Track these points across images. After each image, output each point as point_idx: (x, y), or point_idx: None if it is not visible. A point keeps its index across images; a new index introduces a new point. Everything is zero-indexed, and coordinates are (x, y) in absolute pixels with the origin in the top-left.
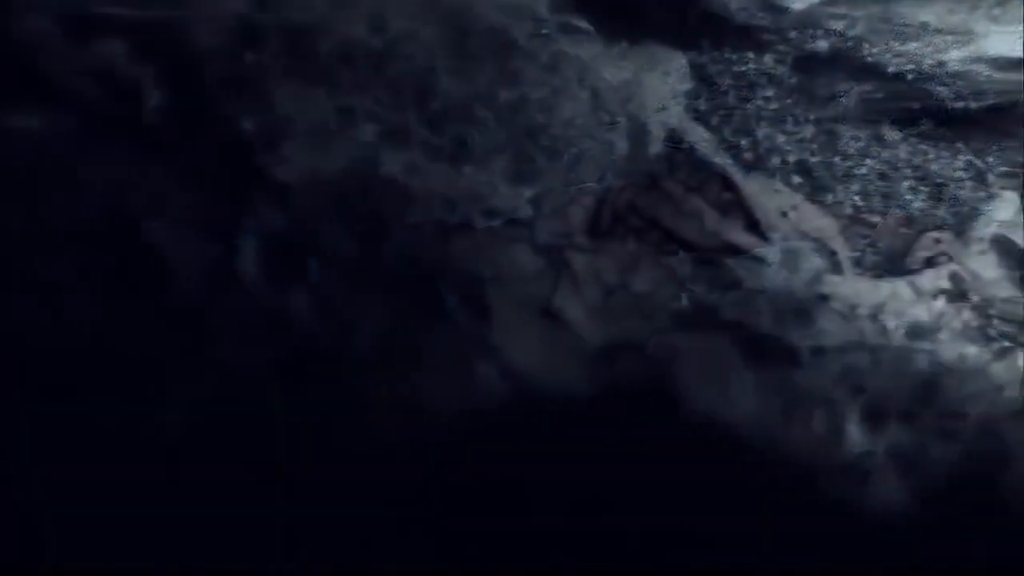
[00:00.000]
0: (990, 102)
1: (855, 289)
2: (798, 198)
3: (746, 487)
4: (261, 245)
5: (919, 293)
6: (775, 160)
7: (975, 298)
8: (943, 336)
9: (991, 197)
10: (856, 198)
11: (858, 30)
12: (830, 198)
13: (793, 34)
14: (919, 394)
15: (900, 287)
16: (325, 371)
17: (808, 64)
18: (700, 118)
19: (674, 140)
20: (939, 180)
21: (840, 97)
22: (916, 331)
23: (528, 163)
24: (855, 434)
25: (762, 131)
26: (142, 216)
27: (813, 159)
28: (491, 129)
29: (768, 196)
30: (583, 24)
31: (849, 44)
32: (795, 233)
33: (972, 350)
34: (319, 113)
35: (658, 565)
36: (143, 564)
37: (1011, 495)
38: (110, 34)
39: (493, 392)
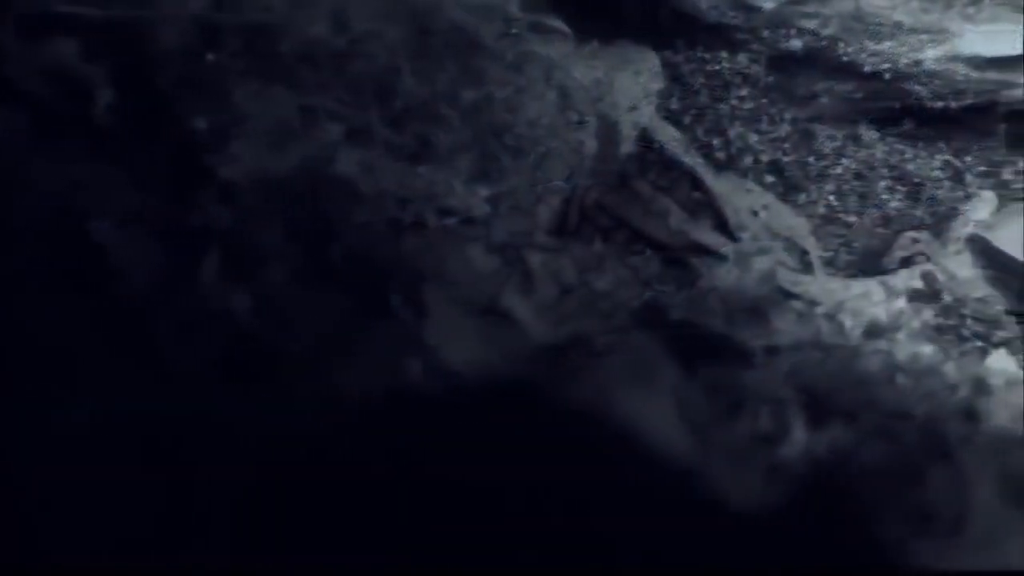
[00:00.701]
0: (969, 101)
1: (824, 289)
2: (770, 197)
3: (655, 488)
4: (209, 244)
5: (891, 293)
6: (747, 159)
7: (948, 298)
8: (901, 336)
9: (969, 197)
10: (831, 198)
11: (831, 29)
12: (803, 198)
13: (766, 33)
14: (864, 394)
15: (872, 287)
16: (263, 368)
17: (783, 63)
18: (672, 117)
19: (645, 139)
20: (916, 180)
21: (816, 96)
22: (873, 330)
23: (492, 162)
24: (793, 434)
25: (735, 130)
26: (89, 215)
27: (786, 159)
28: (455, 128)
29: (739, 195)
30: (555, 24)
31: (823, 43)
32: (765, 233)
33: (927, 350)
34: (279, 112)
35: (563, 565)
36: (87, 560)
37: (936, 496)
38: (66, 33)
39: (420, 390)
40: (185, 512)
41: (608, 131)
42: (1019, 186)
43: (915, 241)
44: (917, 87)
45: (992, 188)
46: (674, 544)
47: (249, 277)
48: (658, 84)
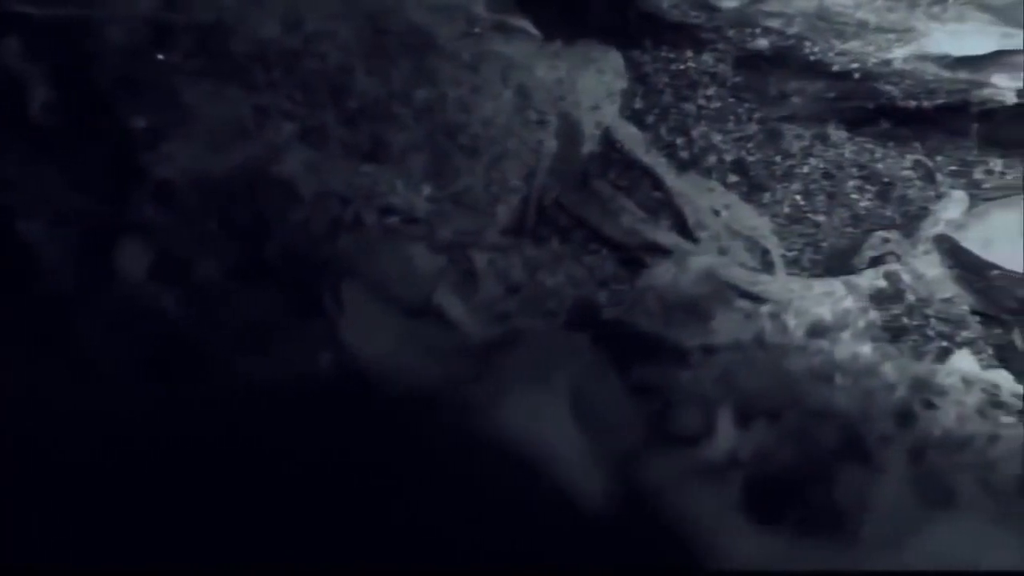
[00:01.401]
0: (941, 101)
1: (784, 288)
2: (732, 197)
3: (530, 492)
4: (140, 243)
5: (850, 293)
6: (711, 159)
7: (911, 298)
8: (845, 335)
9: (940, 196)
10: (797, 197)
11: (796, 28)
12: (767, 197)
13: (731, 32)
14: (794, 394)
15: (835, 286)
16: (185, 367)
17: (750, 63)
18: (635, 117)
19: (606, 139)
20: (887, 179)
21: (787, 96)
22: (817, 330)
23: (445, 162)
24: (712, 434)
25: (700, 130)
26: (19, 215)
27: (751, 158)
28: (408, 128)
29: (701, 195)
30: (520, 23)
31: (790, 42)
32: (726, 232)
33: (867, 349)
34: (228, 112)
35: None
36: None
37: (839, 498)
38: (7, 33)
39: (328, 387)
40: (108, 511)
41: (569, 130)
42: (990, 186)
43: (886, 241)
44: (888, 87)
45: (963, 188)
46: (536, 546)
47: (179, 276)
48: (622, 83)
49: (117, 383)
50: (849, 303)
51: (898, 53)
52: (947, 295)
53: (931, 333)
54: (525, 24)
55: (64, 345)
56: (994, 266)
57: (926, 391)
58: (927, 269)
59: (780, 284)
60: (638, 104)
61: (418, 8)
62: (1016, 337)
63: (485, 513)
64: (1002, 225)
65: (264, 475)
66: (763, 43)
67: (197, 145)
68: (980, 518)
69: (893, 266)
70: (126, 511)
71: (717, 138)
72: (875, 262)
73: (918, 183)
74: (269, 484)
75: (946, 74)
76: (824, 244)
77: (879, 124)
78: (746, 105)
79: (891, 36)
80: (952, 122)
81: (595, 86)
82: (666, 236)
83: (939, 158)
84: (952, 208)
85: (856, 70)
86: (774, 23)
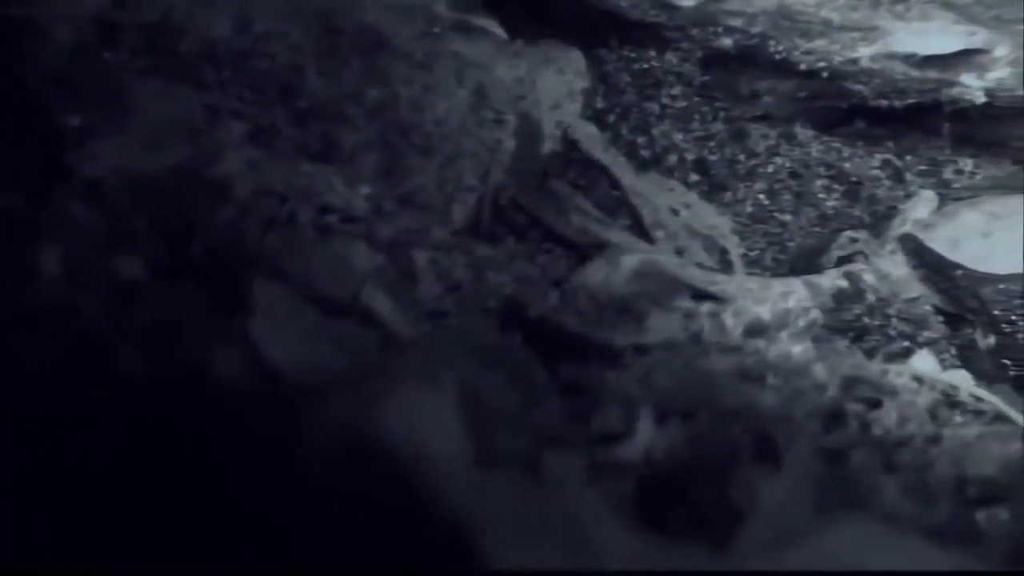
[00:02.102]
0: (913, 100)
1: (740, 288)
2: (692, 196)
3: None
4: (63, 242)
5: (815, 292)
6: (672, 158)
7: (872, 297)
8: (784, 335)
9: (909, 196)
10: (761, 196)
11: (760, 27)
12: (728, 196)
13: (695, 31)
14: (714, 394)
15: (795, 286)
16: (90, 365)
17: (715, 62)
18: (596, 116)
19: (566, 138)
20: (855, 179)
21: (756, 95)
22: (755, 329)
23: (397, 161)
24: (632, 434)
25: (662, 129)
26: None
27: (714, 157)
28: (360, 127)
29: (660, 194)
30: (482, 23)
31: (754, 41)
32: (685, 231)
33: (803, 349)
34: (172, 111)
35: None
36: None
37: (733, 498)
38: None
39: (230, 384)
40: (12, 509)
41: (528, 129)
42: (960, 185)
43: (854, 240)
44: (858, 86)
45: (933, 187)
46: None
47: (99, 275)
48: (583, 82)
49: (25, 383)
50: (792, 302)
51: (864, 52)
52: (911, 295)
53: (893, 333)
54: (488, 24)
55: None
56: (958, 266)
57: (872, 391)
58: (893, 269)
59: (737, 284)
60: (599, 103)
61: (376, 7)
62: (979, 337)
63: (339, 513)
64: (970, 225)
65: (150, 474)
66: (727, 42)
67: (132, 144)
68: (885, 521)
69: (856, 265)
70: (29, 509)
71: (678, 137)
72: (843, 262)
73: (887, 182)
74: (154, 482)
75: (915, 73)
76: (791, 244)
77: (854, 124)
78: (714, 104)
79: (856, 35)
80: (926, 121)
81: (556, 85)
82: (619, 235)
83: (908, 157)
84: (921, 208)
85: (824, 69)
86: (736, 22)
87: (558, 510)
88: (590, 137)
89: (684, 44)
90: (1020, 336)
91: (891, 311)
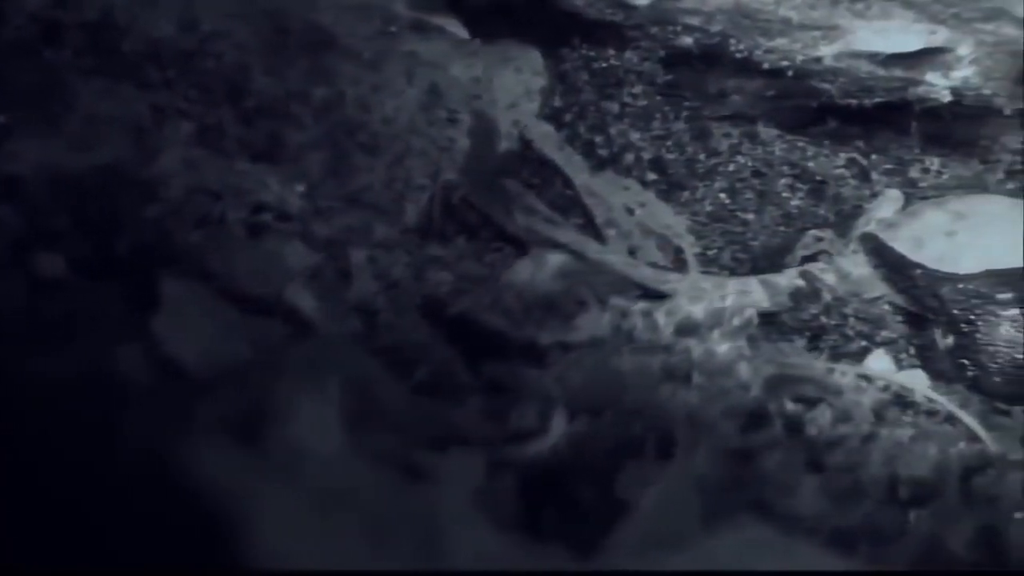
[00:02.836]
0: (881, 99)
1: (692, 286)
2: (648, 195)
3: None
4: None
5: (773, 291)
6: (629, 157)
7: (827, 297)
8: (716, 334)
9: (875, 195)
10: (722, 195)
11: (720, 26)
12: (686, 195)
13: (655, 30)
14: (618, 392)
15: (751, 285)
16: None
17: (676, 61)
18: (553, 115)
19: (521, 137)
20: (819, 178)
21: (719, 94)
22: (687, 328)
23: (344, 160)
24: (545, 433)
25: (620, 128)
26: None
27: (672, 156)
28: (306, 126)
29: (615, 193)
30: (441, 22)
31: (715, 40)
32: (639, 230)
33: (728, 348)
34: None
35: None
36: None
37: (611, 499)
38: None
39: (117, 383)
40: None
41: (483, 128)
42: (926, 184)
43: (819, 239)
44: (825, 85)
45: (899, 186)
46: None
47: (18, 271)
48: (541, 81)
49: None
50: (729, 301)
51: (826, 51)
52: (872, 294)
53: (850, 332)
54: (448, 23)
55: None
56: (918, 265)
57: (817, 391)
58: (854, 268)
59: (690, 282)
60: (557, 102)
61: (331, 7)
62: (937, 336)
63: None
64: (935, 224)
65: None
66: (688, 40)
67: (60, 143)
68: (788, 523)
69: (816, 264)
70: None
71: (638, 136)
72: (808, 261)
73: (852, 181)
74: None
75: (881, 72)
76: (755, 243)
77: (826, 123)
78: (678, 103)
79: (816, 34)
80: (897, 121)
81: (513, 84)
82: (568, 234)
83: (874, 156)
84: (886, 207)
85: (788, 68)
86: (694, 20)
87: (419, 509)
88: (545, 136)
89: (644, 43)
90: (978, 336)
91: (848, 311)
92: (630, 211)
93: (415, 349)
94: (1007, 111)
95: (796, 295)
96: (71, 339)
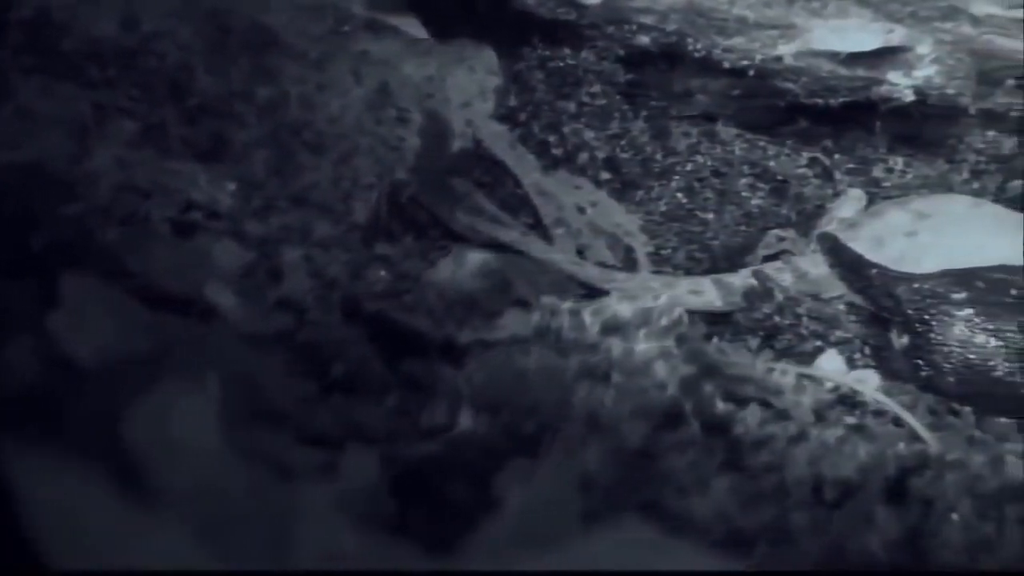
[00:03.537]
0: (847, 99)
1: (639, 286)
2: (601, 195)
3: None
4: None
5: (727, 291)
6: (583, 156)
7: (779, 296)
8: (642, 333)
9: (838, 194)
10: (679, 195)
11: (675, 25)
12: (640, 195)
13: (611, 29)
14: (522, 391)
15: (704, 285)
16: None
17: (638, 60)
18: (508, 114)
19: (473, 136)
20: (780, 177)
21: (684, 93)
22: (613, 327)
23: (288, 159)
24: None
25: (575, 127)
26: None
27: (627, 155)
28: (250, 125)
29: (567, 192)
30: (397, 22)
31: (672, 39)
32: (589, 230)
33: (649, 348)
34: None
35: None
36: None
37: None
38: None
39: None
40: None
41: (435, 127)
42: (890, 184)
43: (781, 239)
44: (787, 84)
45: (862, 186)
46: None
47: None
48: (496, 81)
49: None
50: (663, 300)
51: (785, 50)
52: (831, 294)
53: (804, 332)
54: (405, 23)
55: None
56: (874, 265)
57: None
58: (812, 268)
59: (638, 282)
60: (512, 102)
61: (284, 7)
62: (893, 336)
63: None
64: (896, 224)
65: None
66: (645, 40)
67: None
68: (680, 523)
69: (773, 264)
70: None
71: (592, 135)
72: (769, 260)
73: (815, 181)
74: None
75: (843, 71)
76: (715, 242)
77: (797, 123)
78: (643, 102)
79: (774, 32)
80: (865, 120)
81: (467, 84)
82: (509, 233)
83: (837, 156)
84: (849, 206)
85: (749, 67)
86: (648, 19)
87: (276, 507)
88: (496, 135)
89: (601, 42)
90: (932, 336)
91: (801, 310)
92: (581, 210)
93: (334, 347)
94: (972, 110)
95: (749, 295)
96: None
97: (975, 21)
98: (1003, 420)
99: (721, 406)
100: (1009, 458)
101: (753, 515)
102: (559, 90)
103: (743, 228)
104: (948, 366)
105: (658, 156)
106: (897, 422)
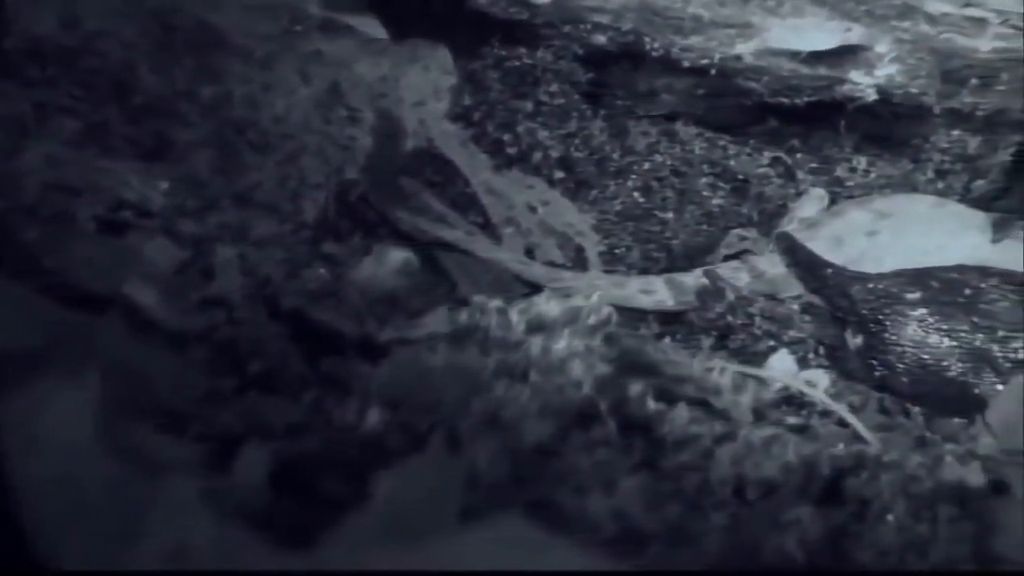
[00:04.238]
0: (812, 98)
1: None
2: (553, 194)
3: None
4: None
5: (679, 290)
6: (537, 156)
7: (731, 296)
8: (567, 332)
9: (800, 194)
10: (635, 194)
11: (631, 24)
12: (594, 194)
13: (567, 28)
14: (425, 388)
15: (655, 284)
16: None
17: (595, 59)
18: (462, 114)
19: (425, 135)
20: (741, 176)
21: (649, 93)
22: (536, 326)
23: (232, 158)
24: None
25: (529, 126)
26: None
27: (580, 154)
28: (193, 124)
29: (519, 191)
30: (353, 21)
31: (629, 38)
32: (540, 229)
33: (571, 346)
34: None
35: None
36: None
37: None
38: None
39: None
40: None
41: (387, 127)
42: (852, 183)
43: (742, 239)
44: (751, 83)
45: (825, 185)
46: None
47: None
48: (450, 80)
49: None
50: (595, 299)
51: (743, 48)
52: (786, 294)
53: (758, 332)
54: (362, 22)
55: None
56: (829, 264)
57: (695, 391)
58: (770, 267)
59: (586, 281)
60: (466, 101)
61: (235, 6)
62: (848, 336)
63: None
64: (857, 223)
65: None
66: (600, 39)
67: None
68: (567, 521)
69: (731, 264)
70: None
71: (547, 134)
72: (730, 260)
73: (776, 180)
74: None
75: (805, 70)
76: (674, 242)
77: (766, 123)
78: (602, 102)
79: (731, 31)
80: (833, 120)
81: (420, 83)
82: (454, 232)
83: (799, 155)
84: (810, 206)
85: (709, 66)
86: (602, 18)
87: (136, 501)
88: (447, 134)
89: (557, 41)
90: (886, 336)
91: (754, 310)
92: (533, 209)
93: (253, 344)
94: (937, 110)
95: (701, 294)
96: None
97: (931, 20)
98: (955, 420)
99: (652, 405)
100: (948, 459)
101: (657, 515)
102: (515, 89)
103: (704, 228)
104: (902, 366)
105: (615, 155)
106: (843, 423)
